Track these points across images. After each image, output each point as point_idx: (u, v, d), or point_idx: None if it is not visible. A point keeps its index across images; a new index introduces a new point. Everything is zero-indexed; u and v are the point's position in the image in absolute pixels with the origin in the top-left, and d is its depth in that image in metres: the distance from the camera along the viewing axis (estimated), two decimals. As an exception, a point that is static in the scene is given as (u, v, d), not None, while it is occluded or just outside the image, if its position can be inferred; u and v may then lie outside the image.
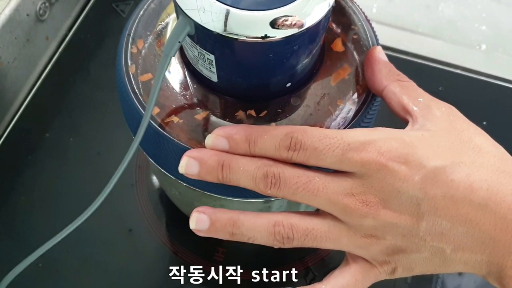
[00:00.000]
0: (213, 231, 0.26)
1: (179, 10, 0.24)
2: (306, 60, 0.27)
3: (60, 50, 0.50)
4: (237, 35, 0.23)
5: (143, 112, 0.28)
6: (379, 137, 0.25)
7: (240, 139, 0.26)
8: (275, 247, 0.27)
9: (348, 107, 0.29)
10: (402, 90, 0.28)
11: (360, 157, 0.25)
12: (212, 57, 0.25)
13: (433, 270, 0.27)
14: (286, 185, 0.25)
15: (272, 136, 0.25)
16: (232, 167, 0.26)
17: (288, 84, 0.28)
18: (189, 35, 0.25)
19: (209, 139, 0.26)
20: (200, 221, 0.26)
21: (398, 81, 0.29)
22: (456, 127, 0.27)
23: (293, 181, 0.25)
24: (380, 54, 0.30)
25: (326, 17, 0.25)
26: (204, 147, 0.27)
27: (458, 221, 0.25)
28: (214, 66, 0.26)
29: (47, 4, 0.47)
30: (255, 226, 0.26)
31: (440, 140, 0.26)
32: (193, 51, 0.26)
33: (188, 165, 0.26)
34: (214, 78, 0.27)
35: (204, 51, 0.25)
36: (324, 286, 0.28)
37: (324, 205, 0.26)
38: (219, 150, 0.26)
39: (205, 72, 0.27)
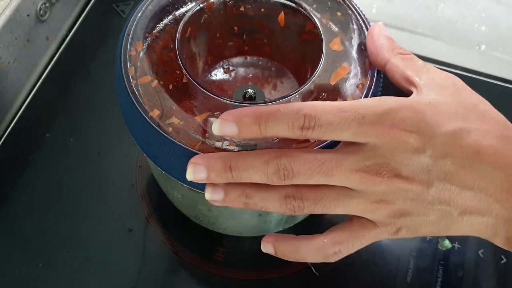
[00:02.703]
0: (228, 202, 0.27)
1: None
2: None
3: (60, 50, 0.50)
4: None
5: (143, 115, 0.28)
6: (391, 106, 0.26)
7: (249, 121, 0.25)
8: (287, 214, 0.28)
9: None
10: (404, 62, 0.29)
11: (375, 129, 0.25)
12: None
13: (437, 232, 0.28)
14: (300, 173, 0.25)
15: (284, 115, 0.25)
16: (240, 167, 0.26)
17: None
18: None
19: (217, 126, 0.26)
20: (215, 192, 0.27)
21: (400, 54, 0.29)
22: (460, 95, 0.28)
23: (305, 167, 0.25)
24: (382, 30, 0.30)
25: None
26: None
27: (466, 185, 0.26)
28: None
29: (47, 4, 0.47)
30: (267, 197, 0.27)
31: (447, 107, 0.27)
32: None
33: (195, 171, 0.26)
34: None
35: None
36: (323, 237, 0.29)
37: (339, 182, 0.26)
38: (228, 136, 0.26)
39: None
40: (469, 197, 0.26)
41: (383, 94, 0.31)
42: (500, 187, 0.26)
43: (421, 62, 0.29)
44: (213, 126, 0.26)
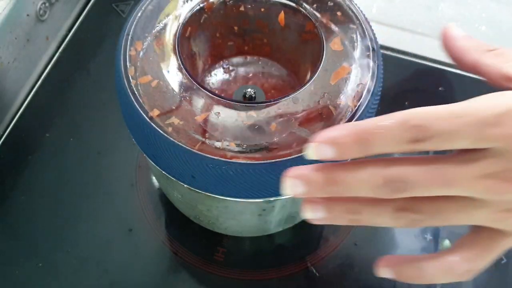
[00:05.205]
0: (331, 220, 0.24)
1: None
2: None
3: (60, 50, 0.50)
4: None
5: (143, 115, 0.28)
6: (509, 105, 0.22)
7: (349, 141, 0.22)
8: (399, 227, 0.25)
9: (348, 105, 0.29)
10: (498, 59, 0.26)
11: (499, 132, 0.22)
12: None
13: None
14: (416, 186, 0.22)
15: (389, 130, 0.22)
16: (344, 181, 0.23)
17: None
18: None
19: (311, 150, 0.23)
20: (316, 210, 0.24)
21: (489, 51, 0.27)
22: None
23: (421, 179, 0.22)
24: (456, 31, 0.28)
25: None
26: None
27: None
28: None
29: (47, 4, 0.47)
30: (377, 212, 0.24)
31: None
32: None
33: (292, 186, 0.23)
34: None
35: None
36: (451, 255, 0.26)
37: (461, 192, 0.23)
38: (326, 159, 0.23)
39: None
40: None
41: (383, 94, 0.31)
42: None
43: None
44: (307, 151, 0.23)
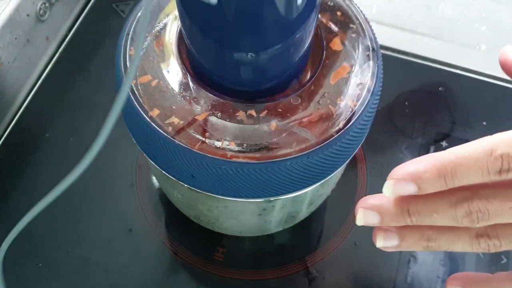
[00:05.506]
0: (405, 247, 0.24)
1: None
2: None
3: (60, 50, 0.50)
4: None
5: (143, 114, 0.28)
6: None
7: (431, 176, 0.21)
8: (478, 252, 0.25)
9: (348, 105, 0.29)
10: None
11: None
12: None
13: None
14: (499, 215, 0.21)
15: (475, 161, 0.20)
16: (422, 211, 0.22)
17: (290, 81, 0.28)
18: None
19: (390, 188, 0.22)
20: (389, 239, 0.23)
21: None
22: None
23: (504, 208, 0.21)
24: None
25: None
26: None
27: None
28: None
29: (47, 4, 0.47)
30: (455, 239, 0.23)
31: None
32: None
33: (366, 217, 0.23)
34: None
35: None
36: None
37: None
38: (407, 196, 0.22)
39: None
40: None
41: (383, 94, 0.31)
42: None
43: None
44: (386, 189, 0.22)
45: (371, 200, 0.23)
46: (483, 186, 0.21)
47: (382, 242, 0.24)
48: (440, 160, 0.21)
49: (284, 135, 0.28)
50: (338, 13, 0.33)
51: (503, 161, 0.20)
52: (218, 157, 0.27)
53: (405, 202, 0.22)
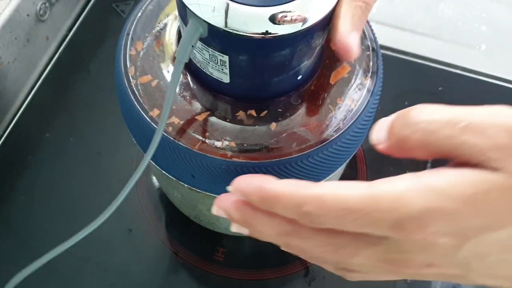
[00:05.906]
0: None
1: (187, 12, 0.24)
2: (312, 58, 0.27)
3: (60, 50, 0.50)
4: (238, 31, 0.23)
5: (143, 114, 0.28)
6: (413, 202, 0.20)
7: (256, 200, 0.23)
8: None
9: (348, 105, 0.29)
10: None
11: (403, 233, 0.21)
12: (225, 58, 0.25)
13: None
14: (313, 257, 0.24)
15: (286, 206, 0.22)
16: (254, 227, 0.24)
17: (291, 82, 0.28)
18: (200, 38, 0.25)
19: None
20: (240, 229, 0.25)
21: None
22: None
23: (317, 251, 0.23)
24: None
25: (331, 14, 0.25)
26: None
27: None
28: (227, 67, 0.26)
29: (47, 4, 0.47)
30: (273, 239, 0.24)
31: None
32: (204, 54, 0.26)
33: (218, 212, 0.25)
34: (226, 79, 0.27)
35: (217, 52, 0.25)
36: None
37: (359, 266, 0.23)
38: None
39: (216, 75, 0.27)
40: None
41: (383, 94, 0.31)
42: None
43: None
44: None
45: (223, 201, 0.24)
46: (306, 229, 0.23)
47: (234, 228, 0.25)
48: (263, 192, 0.22)
49: (284, 135, 0.28)
50: (338, 13, 0.33)
51: (306, 217, 0.21)
52: (218, 157, 0.27)
53: (243, 213, 0.24)
